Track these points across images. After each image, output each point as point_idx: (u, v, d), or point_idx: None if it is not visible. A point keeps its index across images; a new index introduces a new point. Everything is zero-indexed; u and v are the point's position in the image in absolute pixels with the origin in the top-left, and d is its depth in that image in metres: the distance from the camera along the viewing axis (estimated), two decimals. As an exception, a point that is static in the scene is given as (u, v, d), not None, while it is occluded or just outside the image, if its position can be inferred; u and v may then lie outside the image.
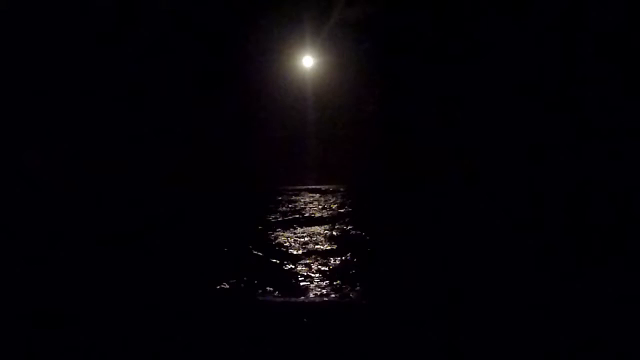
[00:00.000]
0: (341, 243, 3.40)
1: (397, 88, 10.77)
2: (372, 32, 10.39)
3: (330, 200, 7.47)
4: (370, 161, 11.24)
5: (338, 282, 2.29)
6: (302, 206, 6.43)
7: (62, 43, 9.57)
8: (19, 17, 9.17)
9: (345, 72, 10.86)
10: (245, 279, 2.45)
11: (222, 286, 2.37)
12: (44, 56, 9.53)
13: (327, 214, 5.41)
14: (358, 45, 10.57)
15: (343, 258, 2.78)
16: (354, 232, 3.93)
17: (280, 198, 8.03)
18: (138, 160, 10.33)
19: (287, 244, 3.27)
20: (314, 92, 11.32)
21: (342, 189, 10.05)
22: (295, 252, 3.09)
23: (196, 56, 11.07)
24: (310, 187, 10.68)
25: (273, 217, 5.30)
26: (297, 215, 5.29)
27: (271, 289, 2.32)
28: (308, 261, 2.74)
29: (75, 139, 9.83)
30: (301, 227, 4.04)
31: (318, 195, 8.66)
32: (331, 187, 10.46)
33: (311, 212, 5.65)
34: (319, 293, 2.07)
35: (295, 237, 3.64)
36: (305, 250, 3.12)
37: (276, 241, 3.47)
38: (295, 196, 8.47)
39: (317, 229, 3.93)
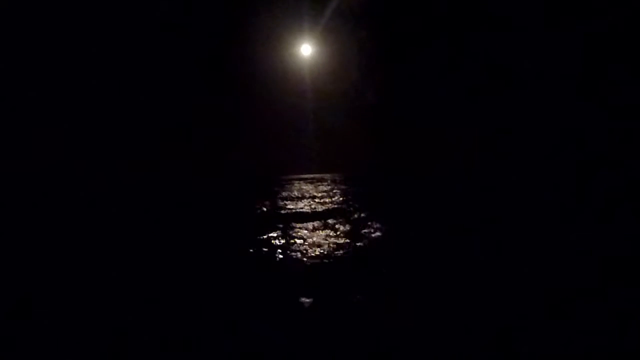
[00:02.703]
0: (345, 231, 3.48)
1: (395, 77, 10.73)
2: (370, 20, 10.31)
3: (326, 189, 7.53)
4: (369, 150, 11.28)
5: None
6: (300, 195, 6.53)
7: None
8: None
9: (343, 61, 10.84)
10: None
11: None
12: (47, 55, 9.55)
13: (324, 206, 5.48)
14: (356, 33, 10.51)
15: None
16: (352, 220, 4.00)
17: (277, 188, 8.12)
18: (137, 152, 10.46)
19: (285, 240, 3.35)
20: (312, 80, 11.32)
21: (337, 178, 10.11)
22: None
23: (195, 45, 11.07)
24: (306, 175, 10.76)
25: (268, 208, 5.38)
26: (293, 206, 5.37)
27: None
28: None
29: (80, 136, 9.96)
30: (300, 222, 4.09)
31: (313, 185, 8.72)
32: (327, 176, 10.53)
33: (310, 204, 5.73)
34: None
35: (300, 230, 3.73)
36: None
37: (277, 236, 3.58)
38: (291, 185, 8.56)
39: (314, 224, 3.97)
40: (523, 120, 9.09)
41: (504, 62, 9.15)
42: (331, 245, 2.98)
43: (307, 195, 6.64)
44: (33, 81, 9.29)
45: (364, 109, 11.03)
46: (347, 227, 3.68)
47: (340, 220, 4.11)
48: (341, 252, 2.78)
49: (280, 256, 2.73)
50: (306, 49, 11.34)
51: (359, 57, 10.66)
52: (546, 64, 8.45)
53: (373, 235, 3.31)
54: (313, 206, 5.25)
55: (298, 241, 3.14)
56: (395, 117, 10.99)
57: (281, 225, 3.83)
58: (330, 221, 4.04)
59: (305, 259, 2.64)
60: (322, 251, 2.82)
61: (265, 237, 3.30)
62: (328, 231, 3.54)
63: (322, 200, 5.81)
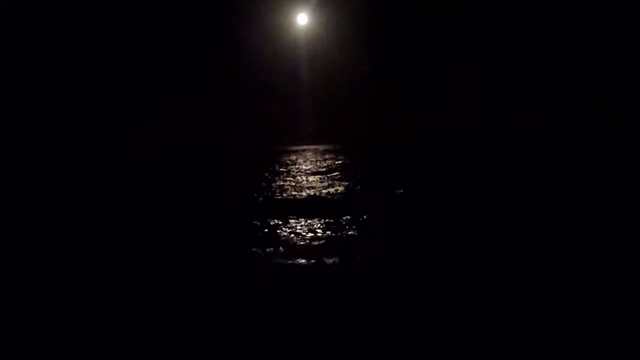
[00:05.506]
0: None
1: (391, 46, 10.61)
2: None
3: (323, 158, 7.64)
4: (365, 120, 11.30)
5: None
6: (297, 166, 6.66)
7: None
8: None
9: (340, 30, 10.67)
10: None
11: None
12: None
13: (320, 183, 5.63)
14: (353, 2, 10.31)
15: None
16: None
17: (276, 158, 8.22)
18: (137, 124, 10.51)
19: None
20: (308, 50, 11.18)
21: (335, 148, 10.20)
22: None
23: (190, 17, 10.87)
24: (303, 147, 10.83)
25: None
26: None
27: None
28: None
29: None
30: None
31: (303, 155, 8.83)
32: (325, 147, 10.60)
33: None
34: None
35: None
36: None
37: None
38: (288, 155, 8.66)
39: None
40: (526, 94, 9.09)
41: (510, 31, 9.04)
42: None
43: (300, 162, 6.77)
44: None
45: (360, 80, 10.98)
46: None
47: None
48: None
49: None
50: (302, 18, 11.16)
51: (354, 28, 10.51)
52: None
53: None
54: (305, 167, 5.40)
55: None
56: (391, 88, 10.97)
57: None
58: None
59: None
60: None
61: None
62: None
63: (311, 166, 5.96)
